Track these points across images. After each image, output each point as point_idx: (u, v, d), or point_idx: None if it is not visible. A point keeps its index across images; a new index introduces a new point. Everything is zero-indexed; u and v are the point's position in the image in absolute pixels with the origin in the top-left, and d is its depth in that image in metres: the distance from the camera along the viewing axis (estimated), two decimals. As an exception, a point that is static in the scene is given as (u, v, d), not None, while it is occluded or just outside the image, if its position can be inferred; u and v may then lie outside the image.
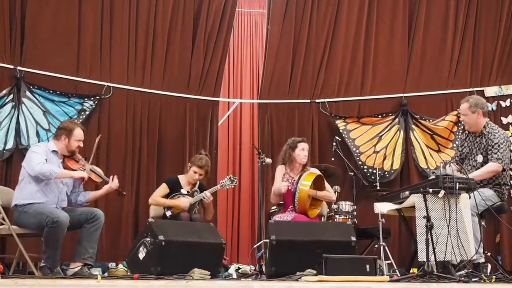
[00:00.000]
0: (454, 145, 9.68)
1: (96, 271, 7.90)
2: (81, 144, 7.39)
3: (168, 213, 8.25)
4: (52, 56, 9.33)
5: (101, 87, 9.61)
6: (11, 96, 8.85)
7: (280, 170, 8.39)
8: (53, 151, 7.24)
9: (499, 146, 7.18)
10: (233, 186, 8.60)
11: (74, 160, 7.39)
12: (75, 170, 7.30)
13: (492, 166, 7.15)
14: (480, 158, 7.31)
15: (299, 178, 7.97)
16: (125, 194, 8.01)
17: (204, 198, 8.27)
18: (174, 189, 8.41)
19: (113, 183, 7.50)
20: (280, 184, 8.17)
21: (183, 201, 8.25)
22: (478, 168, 7.26)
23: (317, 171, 8.27)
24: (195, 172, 8.44)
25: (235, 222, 11.58)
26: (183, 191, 8.35)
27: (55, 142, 7.34)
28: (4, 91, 8.80)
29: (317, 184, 8.11)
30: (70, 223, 7.00)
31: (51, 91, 9.20)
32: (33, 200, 6.97)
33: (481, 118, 7.40)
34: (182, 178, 8.57)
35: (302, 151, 8.31)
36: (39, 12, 9.27)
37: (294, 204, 7.89)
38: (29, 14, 9.17)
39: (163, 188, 8.46)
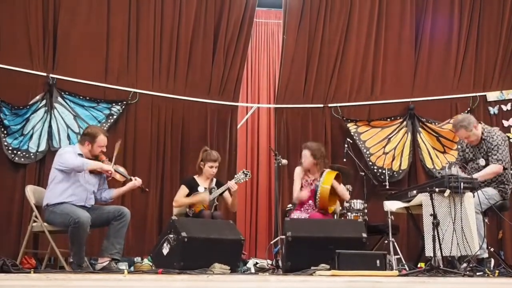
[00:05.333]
0: (459, 146, 9.61)
1: (123, 266, 7.92)
2: (104, 150, 7.41)
3: (190, 212, 8.22)
4: (82, 64, 9.35)
5: (127, 93, 9.62)
6: (44, 102, 8.88)
7: (297, 171, 8.41)
8: (79, 154, 7.26)
9: (498, 147, 7.22)
10: (247, 179, 8.53)
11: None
12: (99, 172, 7.31)
13: (494, 168, 7.19)
14: (482, 162, 7.36)
15: (320, 176, 7.95)
16: (148, 190, 8.05)
17: (228, 188, 8.26)
18: (192, 188, 8.38)
19: (137, 180, 7.49)
20: (299, 193, 8.20)
21: (202, 195, 8.24)
22: (481, 170, 7.26)
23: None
24: (211, 167, 8.43)
25: (253, 219, 11.56)
26: (200, 188, 8.32)
27: (80, 146, 7.38)
28: (37, 97, 8.83)
29: (337, 180, 8.10)
30: (99, 221, 7.06)
31: (81, 97, 9.21)
32: (62, 200, 7.01)
33: (478, 129, 7.45)
34: (197, 178, 8.55)
35: (302, 158, 8.40)
36: (70, 23, 9.30)
37: (315, 201, 7.85)
38: (61, 25, 9.20)
39: (183, 189, 8.42)
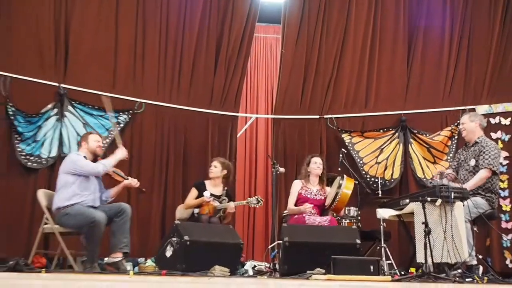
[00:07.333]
0: (449, 157, 9.64)
1: (128, 266, 7.90)
2: (101, 144, 7.64)
3: (196, 211, 8.35)
4: (91, 75, 9.34)
5: (134, 103, 9.60)
6: (55, 110, 8.87)
7: (296, 184, 8.43)
8: (84, 157, 7.40)
9: (489, 151, 7.26)
10: (257, 207, 8.55)
11: None
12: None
13: (483, 173, 7.20)
14: (472, 162, 7.38)
15: (340, 182, 8.10)
16: (145, 190, 8.11)
17: (227, 207, 8.27)
18: (200, 190, 8.49)
19: (133, 180, 7.63)
20: (301, 208, 8.19)
21: (205, 198, 8.31)
22: (471, 171, 7.32)
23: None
24: (210, 167, 8.74)
25: (251, 223, 11.61)
26: (206, 193, 8.36)
27: (81, 151, 7.56)
28: (49, 106, 8.82)
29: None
30: None
31: (90, 106, 9.19)
32: (73, 201, 7.08)
33: (478, 129, 7.57)
34: (207, 182, 8.63)
35: (315, 164, 8.40)
36: (80, 36, 9.30)
37: (333, 203, 8.00)
38: (72, 38, 9.20)
39: (193, 192, 8.59)
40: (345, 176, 8.24)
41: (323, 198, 8.35)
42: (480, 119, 7.67)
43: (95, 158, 7.57)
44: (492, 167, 7.16)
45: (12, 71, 8.63)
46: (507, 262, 9.13)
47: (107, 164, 7.33)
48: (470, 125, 7.55)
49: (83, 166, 7.21)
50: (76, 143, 8.81)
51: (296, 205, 8.34)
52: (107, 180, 7.66)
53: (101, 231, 6.81)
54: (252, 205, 8.41)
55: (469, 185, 7.09)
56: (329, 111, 10.46)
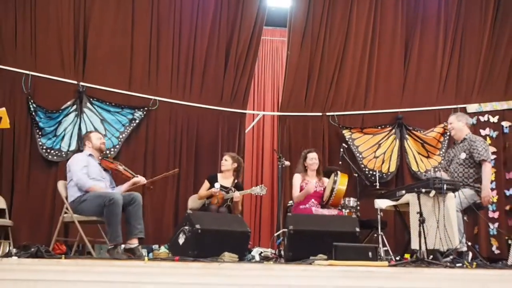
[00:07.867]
0: (441, 152, 9.68)
1: (144, 252, 7.92)
2: (103, 140, 7.57)
3: (207, 201, 8.37)
4: (109, 74, 9.38)
5: (149, 100, 9.62)
6: (74, 107, 8.91)
7: (297, 178, 8.41)
8: (89, 154, 7.37)
9: (480, 145, 7.31)
10: (261, 194, 8.46)
11: (108, 161, 7.57)
12: (111, 167, 7.50)
13: (486, 168, 7.24)
14: (463, 155, 7.40)
15: (335, 179, 8.03)
16: (152, 188, 7.99)
17: (233, 196, 8.26)
18: (212, 182, 8.46)
19: (141, 178, 7.53)
20: (303, 191, 8.20)
21: (213, 190, 8.30)
22: (461, 164, 7.36)
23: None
24: (221, 160, 8.71)
25: (257, 212, 11.61)
26: (217, 184, 8.32)
27: (86, 149, 7.48)
28: (68, 103, 8.87)
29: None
30: None
31: (107, 103, 9.23)
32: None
33: (465, 127, 7.59)
34: (219, 175, 8.62)
35: (311, 160, 8.41)
36: (99, 37, 9.34)
37: (330, 199, 7.98)
38: (90, 39, 9.25)
39: (205, 184, 8.56)
40: (339, 172, 8.18)
41: (322, 189, 8.35)
42: (466, 118, 7.75)
43: (101, 154, 7.54)
44: (487, 158, 7.22)
45: (34, 70, 8.71)
46: (493, 248, 9.27)
47: (95, 186, 7.08)
48: (458, 124, 7.58)
49: (74, 171, 7.10)
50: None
51: None
52: (117, 177, 7.66)
53: (119, 209, 6.72)
54: (256, 193, 8.38)
55: (485, 186, 7.17)
56: (331, 109, 10.47)
